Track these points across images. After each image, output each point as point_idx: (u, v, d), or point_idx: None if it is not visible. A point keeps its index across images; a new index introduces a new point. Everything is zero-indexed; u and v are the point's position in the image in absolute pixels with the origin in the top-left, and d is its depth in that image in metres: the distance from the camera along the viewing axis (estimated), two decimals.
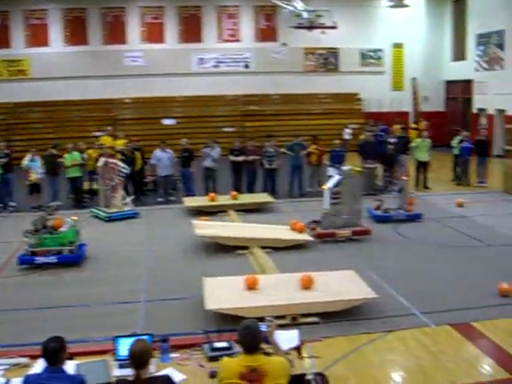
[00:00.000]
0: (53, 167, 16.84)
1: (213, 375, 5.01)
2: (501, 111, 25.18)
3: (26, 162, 16.41)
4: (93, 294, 9.72)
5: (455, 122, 28.18)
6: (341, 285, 8.92)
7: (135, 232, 13.99)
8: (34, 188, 16.37)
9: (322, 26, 23.39)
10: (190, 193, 17.42)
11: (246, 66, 29.16)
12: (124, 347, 5.08)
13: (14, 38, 27.55)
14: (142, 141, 19.73)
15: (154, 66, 27.82)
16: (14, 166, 17.08)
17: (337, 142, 18.69)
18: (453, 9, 29.23)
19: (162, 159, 17.12)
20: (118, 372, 5.21)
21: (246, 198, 16.34)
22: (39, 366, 4.99)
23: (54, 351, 4.52)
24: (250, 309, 7.97)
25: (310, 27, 23.09)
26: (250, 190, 17.65)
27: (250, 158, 17.37)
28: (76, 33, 27.71)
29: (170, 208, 16.46)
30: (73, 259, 11.22)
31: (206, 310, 8.15)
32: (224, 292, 8.64)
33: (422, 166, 18.72)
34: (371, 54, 30.22)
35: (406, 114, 29.76)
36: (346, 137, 27.49)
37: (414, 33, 29.66)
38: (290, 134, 20.84)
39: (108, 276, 10.67)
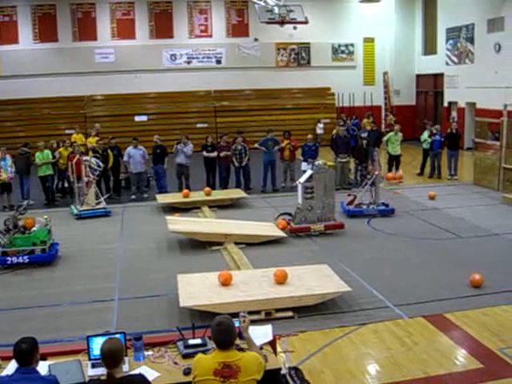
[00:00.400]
0: (24, 166, 16.65)
1: (187, 372, 5.01)
2: (471, 104, 25.44)
3: None
4: (66, 293, 9.63)
5: (426, 116, 28.41)
6: (314, 279, 8.95)
7: (109, 230, 13.88)
8: (5, 187, 16.15)
9: (294, 21, 23.38)
10: (162, 189, 17.36)
11: (218, 62, 29.08)
12: (97, 346, 5.04)
13: None
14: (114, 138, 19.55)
15: (125, 62, 27.59)
16: None
17: (309, 136, 18.72)
18: (423, 3, 29.42)
19: (135, 156, 17.01)
20: (91, 372, 5.16)
21: (220, 194, 16.33)
22: (11, 367, 4.92)
23: (26, 352, 4.47)
24: (224, 305, 7.97)
25: (282, 22, 23.06)
26: (224, 185, 17.63)
27: (223, 153, 17.34)
28: (46, 30, 27.33)
29: (143, 205, 16.38)
30: (45, 259, 11.10)
31: (180, 307, 8.12)
32: (198, 288, 8.62)
33: (394, 160, 18.86)
34: (343, 48, 30.32)
35: (378, 108, 29.96)
36: (319, 131, 27.67)
37: (384, 27, 29.87)
38: (262, 129, 20.91)
39: (81, 275, 10.56)
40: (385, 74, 30.35)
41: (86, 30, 27.69)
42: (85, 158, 15.66)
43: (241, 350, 4.83)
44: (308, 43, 29.66)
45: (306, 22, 23.37)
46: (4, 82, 26.53)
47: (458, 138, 19.37)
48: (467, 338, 7.58)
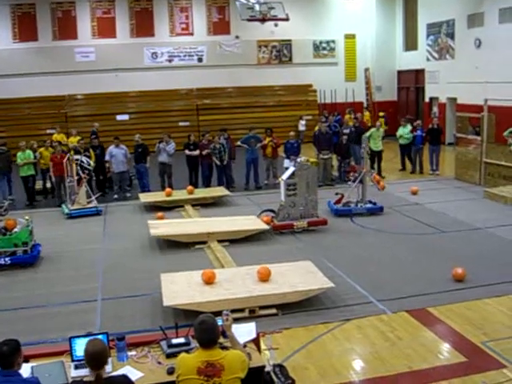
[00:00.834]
0: (4, 165, 16.54)
1: (170, 372, 4.99)
2: (452, 100, 25.58)
3: None
4: (48, 294, 9.56)
5: (408, 111, 28.53)
6: (298, 276, 8.96)
7: (91, 230, 13.78)
8: None
9: (275, 19, 23.35)
10: (145, 189, 17.29)
11: (200, 60, 28.98)
12: (80, 347, 5.01)
13: None
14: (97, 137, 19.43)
15: (106, 61, 27.35)
16: None
17: (292, 133, 18.73)
18: None
19: (117, 155, 16.92)
20: (74, 373, 5.13)
21: (203, 193, 16.28)
22: None
23: (8, 355, 4.41)
24: (208, 303, 7.96)
25: (263, 19, 23.03)
26: (206, 184, 17.59)
27: (205, 152, 17.29)
28: (25, 29, 26.99)
29: (126, 204, 16.31)
30: (27, 260, 11.02)
31: (164, 306, 8.10)
32: (182, 287, 8.59)
33: (376, 156, 18.92)
34: (324, 45, 30.34)
35: (359, 104, 30.03)
36: (301, 128, 27.70)
37: (365, 24, 29.92)
38: (245, 126, 20.89)
39: (64, 275, 10.49)
40: (366, 70, 30.44)
41: (66, 29, 27.43)
42: (76, 156, 15.62)
43: (224, 348, 4.83)
44: (289, 40, 29.65)
45: (287, 19, 23.36)
46: None
47: (439, 133, 19.46)
48: (450, 332, 7.63)
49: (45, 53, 26.90)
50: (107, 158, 17.10)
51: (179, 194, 15.86)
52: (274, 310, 8.28)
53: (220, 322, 4.85)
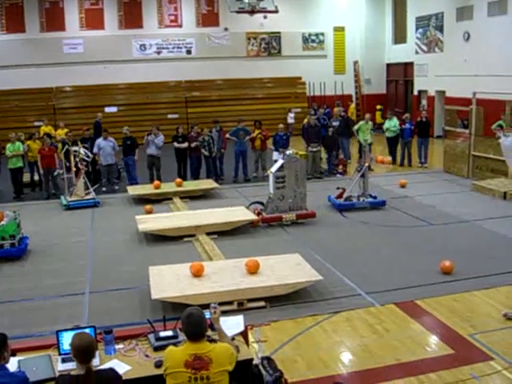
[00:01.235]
0: None
1: (158, 365, 4.97)
2: (441, 93, 25.64)
3: None
4: (36, 287, 9.51)
5: (397, 104, 28.59)
6: (286, 268, 8.96)
7: (80, 222, 13.72)
8: None
9: (264, 11, 23.29)
10: (133, 181, 17.24)
11: (188, 52, 28.88)
12: (67, 341, 4.97)
13: None
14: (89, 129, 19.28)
15: (94, 53, 27.19)
16: None
17: (281, 126, 18.73)
18: None
19: (105, 148, 16.83)
20: (61, 366, 5.10)
21: (191, 185, 16.25)
22: None
23: None
24: (196, 296, 7.94)
25: (252, 11, 22.95)
26: (195, 176, 17.54)
27: (194, 144, 17.25)
28: (13, 20, 26.78)
29: (115, 197, 16.24)
30: (14, 253, 10.95)
31: (152, 299, 8.07)
32: (170, 280, 8.57)
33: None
34: (313, 37, 30.32)
35: (348, 96, 30.05)
36: (290, 121, 27.70)
37: (355, 16, 29.93)
38: (233, 119, 20.83)
39: (51, 269, 10.44)
40: (355, 63, 30.45)
41: (53, 20, 27.25)
42: (74, 148, 15.65)
43: (212, 341, 4.81)
44: (278, 32, 29.61)
45: (276, 11, 23.30)
46: None
47: (427, 126, 19.50)
48: (438, 325, 7.66)
49: (32, 44, 26.73)
50: (95, 150, 16.98)
51: (168, 187, 15.82)
52: (262, 303, 8.28)
53: (208, 315, 4.84)
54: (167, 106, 28.27)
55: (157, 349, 5.31)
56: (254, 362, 5.56)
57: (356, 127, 19.14)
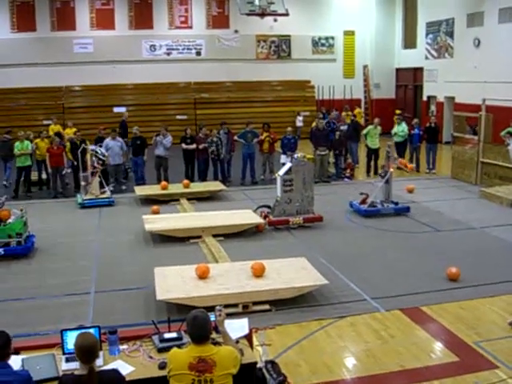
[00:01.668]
0: (6, 153, 16.90)
1: (162, 366, 4.96)
2: (450, 99, 25.57)
3: None
4: (41, 286, 9.53)
5: (406, 110, 28.52)
6: (292, 272, 8.94)
7: (86, 222, 13.74)
8: None
9: (274, 14, 23.25)
10: (140, 181, 17.26)
11: (198, 54, 28.92)
12: (71, 340, 4.96)
13: None
14: (92, 129, 19.35)
15: (104, 53, 27.29)
16: None
17: (289, 129, 18.71)
18: None
19: (113, 148, 16.86)
20: (65, 366, 5.09)
21: (198, 187, 16.25)
22: None
23: (1, 347, 4.39)
24: (201, 298, 7.94)
25: (262, 14, 22.92)
26: (202, 178, 17.55)
27: (202, 146, 17.26)
28: (24, 19, 26.89)
29: (122, 197, 16.24)
30: (21, 251, 10.98)
31: (157, 301, 8.07)
32: (175, 282, 8.57)
33: (373, 153, 18.88)
34: (323, 41, 30.30)
35: (357, 101, 30.01)
36: (298, 124, 27.66)
37: (365, 21, 29.88)
38: (242, 121, 20.82)
39: (57, 267, 10.45)
40: (365, 67, 30.41)
41: (64, 19, 27.34)
42: (91, 147, 15.76)
43: (216, 344, 4.80)
44: (288, 36, 29.61)
45: (286, 15, 23.27)
46: None
47: (436, 131, 19.46)
48: (443, 331, 7.62)
49: (43, 43, 26.81)
50: (103, 150, 17.00)
51: (175, 188, 15.83)
52: (267, 306, 8.27)
53: (213, 318, 4.83)
54: (176, 107, 28.29)
55: (161, 350, 5.30)
56: (258, 366, 5.55)
57: (365, 131, 19.11)
